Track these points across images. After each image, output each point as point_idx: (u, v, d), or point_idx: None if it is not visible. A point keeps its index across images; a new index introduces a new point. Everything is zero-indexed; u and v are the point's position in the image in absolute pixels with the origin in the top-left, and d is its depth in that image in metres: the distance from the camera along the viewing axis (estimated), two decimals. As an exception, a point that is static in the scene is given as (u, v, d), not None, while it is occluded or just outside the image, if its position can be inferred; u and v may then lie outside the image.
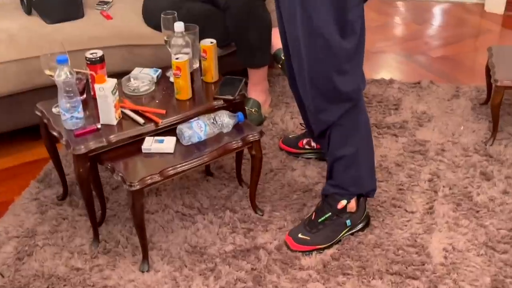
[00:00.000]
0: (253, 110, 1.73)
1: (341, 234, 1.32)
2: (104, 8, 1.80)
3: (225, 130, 1.30)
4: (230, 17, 1.69)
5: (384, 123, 1.77)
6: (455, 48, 2.39)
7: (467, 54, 2.34)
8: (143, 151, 1.23)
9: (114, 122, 1.25)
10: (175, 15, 1.38)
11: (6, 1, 1.83)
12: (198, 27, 1.40)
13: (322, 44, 1.12)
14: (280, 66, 1.79)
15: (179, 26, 1.31)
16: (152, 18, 1.71)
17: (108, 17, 1.76)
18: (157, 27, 1.62)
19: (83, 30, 1.68)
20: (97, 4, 1.82)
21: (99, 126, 1.24)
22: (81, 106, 1.23)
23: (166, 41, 1.40)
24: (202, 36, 1.41)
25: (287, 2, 1.16)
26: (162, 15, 1.39)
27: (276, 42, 1.66)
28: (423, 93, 1.95)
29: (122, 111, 1.28)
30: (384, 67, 2.28)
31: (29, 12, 1.74)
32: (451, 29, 2.62)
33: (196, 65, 1.42)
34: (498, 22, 2.60)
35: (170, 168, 1.19)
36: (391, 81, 2.02)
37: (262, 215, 1.42)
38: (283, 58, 1.57)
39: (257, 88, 1.78)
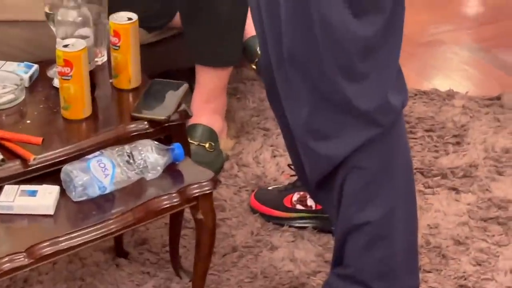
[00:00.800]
0: (204, 145, 1.18)
1: None
2: None
3: (150, 176, 0.82)
4: None
5: (436, 168, 1.20)
6: None
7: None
8: (0, 210, 0.80)
9: None
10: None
11: None
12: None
13: (317, 27, 0.72)
14: (254, 66, 1.27)
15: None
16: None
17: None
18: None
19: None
20: None
21: None
22: None
23: (48, 15, 0.91)
24: (114, 8, 0.92)
25: None
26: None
27: (249, 28, 1.14)
28: (505, 116, 1.32)
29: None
30: (440, 69, 1.55)
31: None
32: None
33: (102, 59, 0.93)
34: None
35: (48, 243, 0.76)
36: (450, 95, 1.38)
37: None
38: (259, 52, 1.04)
39: (210, 104, 1.20)
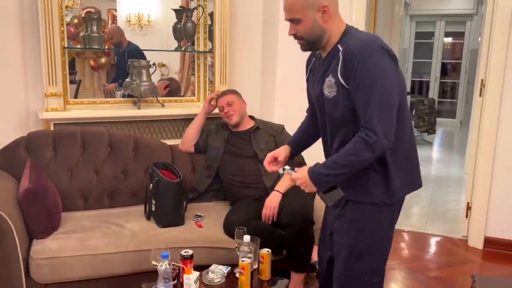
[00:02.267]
0: None
1: None
2: (198, 220, 2.54)
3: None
4: (290, 232, 2.29)
5: None
6: (446, 271, 2.99)
7: (456, 276, 2.91)
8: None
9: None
10: (245, 229, 2.05)
11: (135, 208, 2.65)
12: (260, 239, 2.03)
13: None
14: (315, 274, 2.31)
15: (246, 238, 1.96)
16: (228, 230, 2.39)
17: (199, 226, 2.48)
18: (232, 236, 2.30)
19: (181, 234, 2.39)
20: (193, 217, 2.57)
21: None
22: (172, 289, 1.82)
23: (236, 247, 2.03)
24: (261, 246, 2.02)
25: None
26: (236, 229, 2.06)
27: (314, 255, 2.23)
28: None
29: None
30: (392, 280, 2.86)
31: (148, 218, 2.52)
32: (443, 256, 3.26)
33: (255, 266, 1.98)
34: (479, 255, 3.20)
35: None
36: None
37: None
38: (318, 269, 2.11)
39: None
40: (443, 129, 8.72)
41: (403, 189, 1.61)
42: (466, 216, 3.43)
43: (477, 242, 3.33)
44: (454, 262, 3.12)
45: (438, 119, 7.56)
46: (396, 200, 1.61)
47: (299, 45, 1.60)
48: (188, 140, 2.88)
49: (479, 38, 6.46)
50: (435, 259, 3.21)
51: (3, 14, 2.70)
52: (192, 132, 2.86)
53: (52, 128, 2.73)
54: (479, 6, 8.53)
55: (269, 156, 1.78)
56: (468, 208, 3.39)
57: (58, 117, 2.73)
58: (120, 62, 3.48)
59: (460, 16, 8.97)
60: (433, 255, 3.29)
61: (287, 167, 1.67)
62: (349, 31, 1.55)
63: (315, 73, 1.66)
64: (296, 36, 1.57)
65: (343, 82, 1.48)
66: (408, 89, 9.50)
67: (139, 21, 3.80)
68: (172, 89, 3.60)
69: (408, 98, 7.22)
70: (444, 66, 9.54)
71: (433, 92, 9.48)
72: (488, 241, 3.29)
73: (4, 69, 2.74)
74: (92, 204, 2.64)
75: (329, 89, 1.53)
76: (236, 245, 2.04)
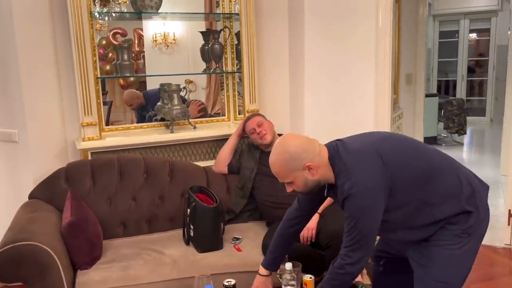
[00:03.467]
0: None
1: None
2: (237, 243, 2.54)
3: None
4: (330, 254, 2.26)
5: None
6: (490, 284, 2.87)
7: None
8: None
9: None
10: (286, 256, 2.04)
11: (173, 233, 2.67)
12: (301, 264, 2.02)
13: None
14: None
15: (288, 265, 1.95)
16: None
17: (238, 249, 2.49)
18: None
19: (221, 259, 2.40)
20: (231, 240, 2.58)
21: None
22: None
23: (279, 274, 2.02)
24: (303, 268, 2.00)
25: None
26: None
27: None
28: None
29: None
30: None
31: (187, 243, 2.54)
32: (486, 267, 3.09)
33: None
34: None
35: None
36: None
37: None
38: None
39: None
40: (472, 128, 8.52)
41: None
42: (509, 224, 3.33)
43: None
44: (498, 273, 3.02)
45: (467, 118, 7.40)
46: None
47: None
48: (221, 161, 2.90)
49: (508, 33, 6.30)
50: (477, 271, 3.10)
51: (38, 47, 2.78)
52: (225, 154, 2.88)
53: (89, 157, 2.79)
54: (504, 2, 8.36)
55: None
56: (510, 215, 3.29)
57: (95, 146, 2.79)
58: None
59: (485, 13, 8.78)
60: (474, 266, 3.17)
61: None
62: (335, 165, 1.66)
63: None
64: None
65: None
66: (435, 89, 9.34)
67: (165, 40, 3.87)
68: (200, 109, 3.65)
69: (436, 99, 7.09)
70: (470, 64, 9.36)
71: (461, 90, 9.29)
72: (534, 250, 3.19)
73: (42, 101, 2.82)
74: (131, 231, 2.68)
75: None
76: (279, 271, 2.03)
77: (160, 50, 3.88)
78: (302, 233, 2.41)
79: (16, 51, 2.71)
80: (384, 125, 3.17)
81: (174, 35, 3.82)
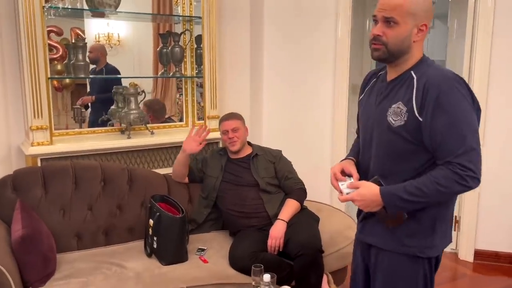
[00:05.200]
0: None
1: None
2: (202, 254, 2.45)
3: None
4: (300, 263, 2.25)
5: None
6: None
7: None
8: None
9: None
10: (262, 267, 1.98)
11: (133, 245, 2.52)
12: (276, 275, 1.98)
13: None
14: None
15: (266, 277, 1.89)
16: (235, 264, 2.31)
17: (204, 261, 2.39)
18: (239, 270, 2.25)
19: (188, 271, 2.29)
20: (196, 251, 2.47)
21: None
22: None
23: (254, 286, 1.96)
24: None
25: None
26: (252, 267, 1.99)
27: (324, 284, 2.20)
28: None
29: None
30: None
31: (149, 255, 2.41)
32: None
33: None
34: (469, 268, 3.27)
35: None
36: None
37: None
38: None
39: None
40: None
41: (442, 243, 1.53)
42: (455, 229, 3.51)
43: (467, 254, 3.40)
44: (445, 277, 3.15)
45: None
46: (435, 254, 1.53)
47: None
48: (178, 175, 2.77)
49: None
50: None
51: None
52: (179, 169, 2.73)
53: (39, 163, 2.57)
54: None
55: (336, 171, 1.58)
56: (457, 221, 3.47)
57: (45, 152, 2.58)
58: (95, 80, 3.34)
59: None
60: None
61: (347, 182, 1.52)
62: (425, 60, 1.46)
63: (373, 95, 1.55)
64: (378, 39, 1.42)
65: (416, 113, 1.38)
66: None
67: (109, 41, 3.68)
68: (156, 110, 3.50)
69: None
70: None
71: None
72: (478, 254, 3.37)
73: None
74: (87, 243, 2.50)
75: (395, 117, 1.43)
76: (254, 283, 1.97)
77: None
78: (269, 242, 2.38)
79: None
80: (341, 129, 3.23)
81: (118, 36, 3.65)
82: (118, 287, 2.11)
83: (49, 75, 2.64)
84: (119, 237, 2.57)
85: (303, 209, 2.56)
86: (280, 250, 2.39)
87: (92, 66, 3.13)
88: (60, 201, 2.46)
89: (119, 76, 3.27)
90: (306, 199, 2.62)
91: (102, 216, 2.53)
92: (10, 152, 2.68)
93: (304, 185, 2.63)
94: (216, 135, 3.01)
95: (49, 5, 2.65)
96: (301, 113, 3.38)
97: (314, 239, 2.31)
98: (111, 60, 3.53)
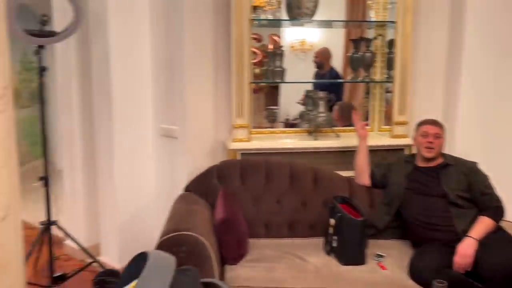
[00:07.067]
0: None
1: None
2: (380, 260, 2.45)
3: None
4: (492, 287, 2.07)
5: None
6: None
7: None
8: None
9: None
10: (446, 284, 1.89)
11: (313, 241, 2.67)
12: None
13: None
14: None
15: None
16: (416, 276, 2.24)
17: (383, 267, 2.39)
18: (419, 283, 2.17)
19: (365, 274, 2.32)
20: (375, 256, 2.49)
21: None
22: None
23: None
24: None
25: None
26: (435, 282, 1.92)
27: None
28: None
29: None
30: None
31: (328, 253, 2.52)
32: None
33: None
34: None
35: None
36: None
37: None
38: None
39: None
40: None
41: None
42: None
43: None
44: None
45: None
46: None
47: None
48: (360, 173, 2.81)
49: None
50: None
51: (201, 52, 2.98)
52: (360, 164, 2.79)
53: (238, 157, 2.92)
54: None
55: None
56: None
57: (244, 147, 2.91)
58: (318, 84, 3.57)
59: None
60: None
61: None
62: None
63: None
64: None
65: None
66: None
67: (302, 46, 3.91)
68: (346, 111, 3.60)
69: None
70: None
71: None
72: None
73: (201, 102, 3.03)
74: (273, 233, 2.74)
75: None
76: (432, 296, 1.90)
77: (296, 56, 3.93)
78: (455, 259, 2.24)
79: (183, 57, 2.93)
80: None
81: (310, 42, 3.85)
82: (299, 277, 2.28)
83: (250, 80, 2.97)
84: (301, 231, 2.75)
85: (498, 229, 2.35)
86: (468, 270, 2.23)
87: (315, 70, 3.47)
88: (253, 192, 2.76)
89: (315, 80, 3.42)
90: (503, 218, 2.38)
91: (288, 210, 2.75)
92: (216, 146, 3.11)
93: (502, 203, 2.40)
94: (403, 141, 2.96)
95: (254, 16, 2.98)
96: (506, 125, 3.05)
97: (509, 263, 2.10)
98: (302, 64, 3.78)
